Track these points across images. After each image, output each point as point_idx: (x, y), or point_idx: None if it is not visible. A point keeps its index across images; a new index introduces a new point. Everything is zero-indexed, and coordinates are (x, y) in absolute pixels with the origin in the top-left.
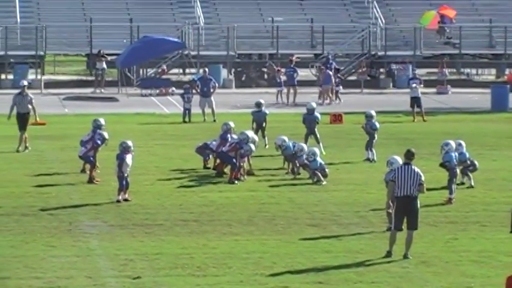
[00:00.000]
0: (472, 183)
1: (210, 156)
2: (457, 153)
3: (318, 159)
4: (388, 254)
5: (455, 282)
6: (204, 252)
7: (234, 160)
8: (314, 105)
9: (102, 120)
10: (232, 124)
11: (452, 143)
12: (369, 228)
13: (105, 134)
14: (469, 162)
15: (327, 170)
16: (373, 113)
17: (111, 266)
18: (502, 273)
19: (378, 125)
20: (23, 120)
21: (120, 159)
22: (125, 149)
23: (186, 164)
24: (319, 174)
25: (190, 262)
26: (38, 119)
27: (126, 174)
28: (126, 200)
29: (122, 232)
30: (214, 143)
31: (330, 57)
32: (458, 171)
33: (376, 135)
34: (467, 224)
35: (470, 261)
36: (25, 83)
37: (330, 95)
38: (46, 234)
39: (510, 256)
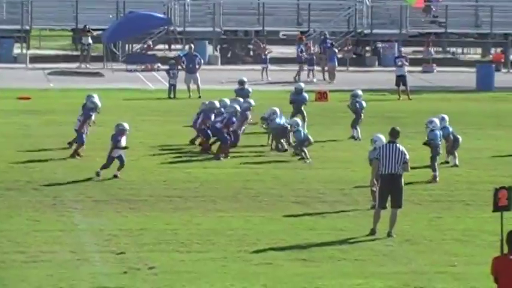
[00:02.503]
0: (457, 162)
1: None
2: (438, 131)
3: (301, 129)
4: (372, 231)
5: (439, 260)
6: (188, 228)
7: (226, 136)
8: (302, 85)
9: (96, 97)
10: (217, 103)
11: (437, 121)
12: (353, 206)
13: (97, 101)
14: (451, 136)
15: (311, 139)
16: (360, 92)
17: (95, 241)
18: (485, 252)
19: (364, 104)
20: None
21: (115, 140)
22: (121, 131)
23: (170, 140)
24: (305, 152)
25: (175, 238)
26: None
27: (117, 155)
28: (115, 176)
29: (106, 207)
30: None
31: (326, 35)
32: (441, 150)
33: (362, 114)
34: (452, 203)
35: (454, 240)
36: None
37: (335, 72)
38: (30, 209)
39: (494, 235)
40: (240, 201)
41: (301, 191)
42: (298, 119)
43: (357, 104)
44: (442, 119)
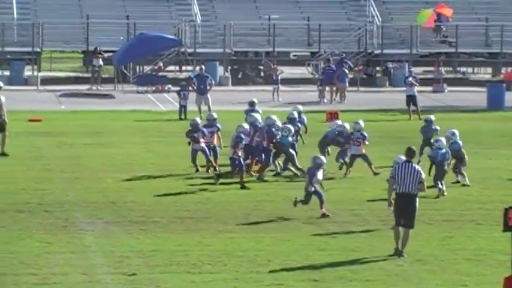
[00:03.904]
0: (467, 182)
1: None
2: (445, 149)
3: (290, 138)
4: (396, 251)
5: (451, 280)
6: (200, 250)
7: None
8: (300, 108)
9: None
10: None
11: (443, 140)
12: (364, 226)
13: (247, 126)
14: (462, 151)
15: (296, 148)
16: (433, 117)
17: (107, 262)
18: (497, 271)
19: (438, 128)
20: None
21: (311, 174)
22: (318, 165)
23: (182, 161)
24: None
25: (186, 259)
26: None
27: (313, 189)
28: (324, 215)
29: (118, 229)
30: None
31: (343, 55)
32: (447, 168)
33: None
34: (463, 222)
35: (466, 260)
36: (1, 84)
37: (345, 93)
38: (41, 231)
39: (505, 255)
40: (251, 222)
41: (312, 211)
42: (289, 126)
43: (431, 130)
44: (453, 134)
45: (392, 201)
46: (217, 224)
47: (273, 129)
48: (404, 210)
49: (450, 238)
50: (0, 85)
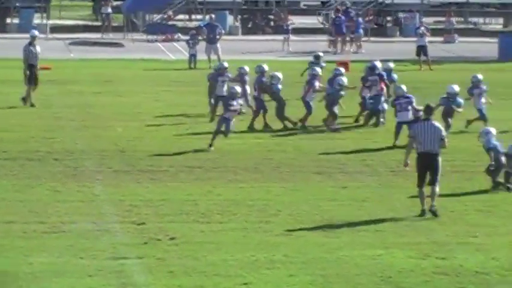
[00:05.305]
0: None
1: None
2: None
3: (280, 86)
4: (422, 212)
5: (461, 231)
6: (209, 199)
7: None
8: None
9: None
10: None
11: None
12: (375, 177)
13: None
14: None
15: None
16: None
17: (116, 211)
18: (507, 222)
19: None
20: (34, 72)
21: None
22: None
23: (191, 110)
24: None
25: (195, 209)
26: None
27: None
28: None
29: (127, 178)
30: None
31: (348, 5)
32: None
33: None
34: (473, 174)
35: (476, 211)
36: (36, 33)
37: (360, 42)
38: (51, 179)
39: None
40: (260, 171)
41: (322, 161)
42: (279, 74)
43: None
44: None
45: (409, 162)
46: (227, 173)
47: (263, 78)
48: (427, 170)
49: (460, 189)
50: (35, 34)
